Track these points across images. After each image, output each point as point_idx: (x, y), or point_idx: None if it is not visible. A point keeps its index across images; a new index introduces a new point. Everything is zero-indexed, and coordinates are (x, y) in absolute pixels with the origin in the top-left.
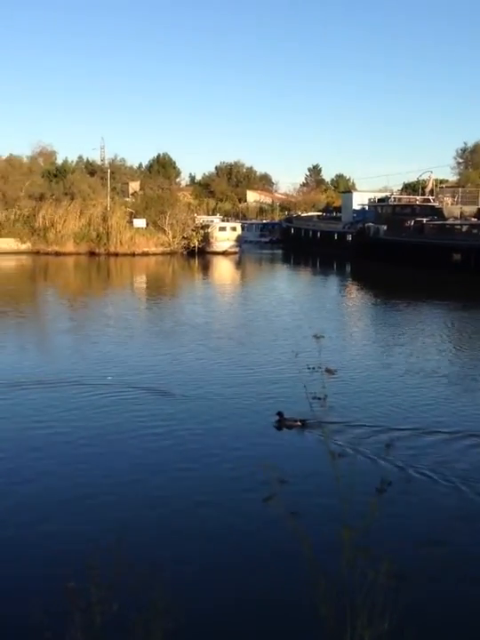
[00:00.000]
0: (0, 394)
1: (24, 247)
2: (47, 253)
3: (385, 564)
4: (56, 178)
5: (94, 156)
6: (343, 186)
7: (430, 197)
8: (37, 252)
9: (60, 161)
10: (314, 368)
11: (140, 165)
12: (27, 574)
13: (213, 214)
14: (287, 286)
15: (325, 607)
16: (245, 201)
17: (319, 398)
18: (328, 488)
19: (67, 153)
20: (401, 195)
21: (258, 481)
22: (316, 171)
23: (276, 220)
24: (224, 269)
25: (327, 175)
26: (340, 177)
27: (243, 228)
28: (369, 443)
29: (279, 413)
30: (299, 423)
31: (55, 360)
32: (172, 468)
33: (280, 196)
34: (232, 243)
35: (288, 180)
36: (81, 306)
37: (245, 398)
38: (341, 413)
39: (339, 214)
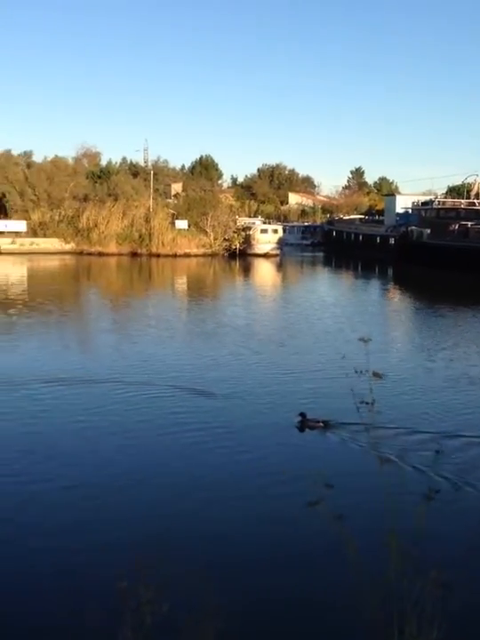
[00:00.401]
0: (43, 390)
1: (68, 247)
2: (90, 254)
3: (433, 572)
4: (100, 179)
5: (138, 158)
6: (386, 189)
7: (475, 201)
8: (81, 253)
9: (104, 162)
10: (361, 371)
11: (183, 167)
12: (78, 573)
13: (255, 216)
14: (328, 289)
15: (372, 612)
16: (287, 203)
17: (367, 403)
18: (371, 492)
19: (111, 154)
20: (445, 198)
21: (301, 483)
22: (358, 173)
23: (318, 222)
24: (265, 271)
25: (370, 178)
26: (382, 180)
27: (284, 231)
28: (412, 448)
29: (301, 414)
30: (321, 424)
31: (96, 358)
32: (213, 468)
33: (322, 198)
34: (273, 245)
35: (330, 182)
36: (122, 306)
37: (287, 400)
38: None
39: (381, 217)
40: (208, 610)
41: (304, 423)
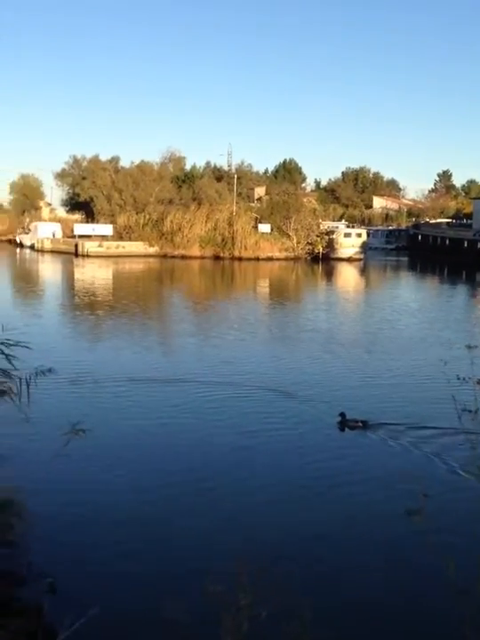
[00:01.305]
0: (126, 389)
1: (152, 250)
2: (174, 257)
3: None
4: (184, 183)
5: (222, 162)
6: (475, 192)
7: None
8: (164, 256)
9: (188, 167)
10: (463, 378)
11: (266, 171)
12: (176, 574)
13: (338, 220)
14: (413, 294)
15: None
16: (371, 207)
17: (470, 411)
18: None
19: (195, 159)
20: None
21: (397, 491)
22: (445, 176)
23: (403, 226)
24: (348, 275)
25: (458, 181)
26: (471, 182)
27: (368, 235)
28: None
29: (341, 414)
30: (360, 424)
31: (178, 359)
32: (300, 470)
33: (407, 202)
34: (357, 249)
35: (416, 185)
36: (205, 308)
37: (374, 405)
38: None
39: (469, 221)
40: (305, 615)
41: (343, 423)
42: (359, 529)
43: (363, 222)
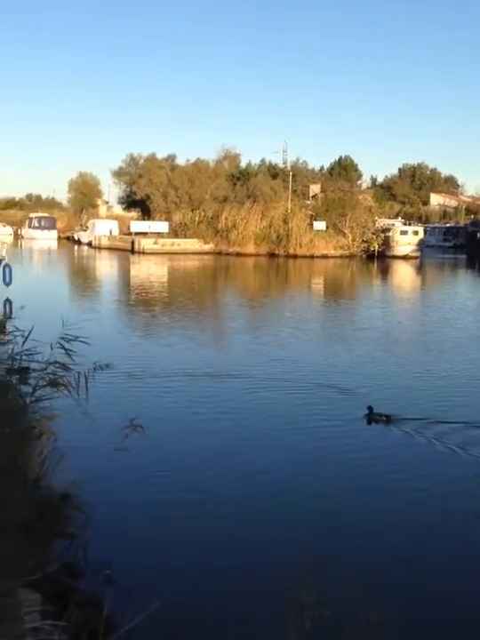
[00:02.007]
0: (181, 384)
1: (207, 247)
2: (228, 254)
3: None
4: (239, 181)
5: (277, 159)
6: None
7: None
8: (219, 253)
9: (243, 164)
10: None
11: (322, 168)
12: (237, 570)
13: (395, 218)
14: (471, 293)
15: None
16: (428, 204)
17: None
18: None
19: (250, 156)
20: None
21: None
22: None
23: (461, 223)
24: (404, 274)
25: None
26: None
27: (425, 232)
28: None
29: (369, 408)
30: (383, 418)
31: (232, 355)
32: (360, 469)
33: (466, 199)
34: (413, 247)
35: (475, 182)
36: (259, 305)
37: (431, 403)
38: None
39: None
40: (370, 616)
41: (370, 417)
42: (428, 527)
43: (420, 220)
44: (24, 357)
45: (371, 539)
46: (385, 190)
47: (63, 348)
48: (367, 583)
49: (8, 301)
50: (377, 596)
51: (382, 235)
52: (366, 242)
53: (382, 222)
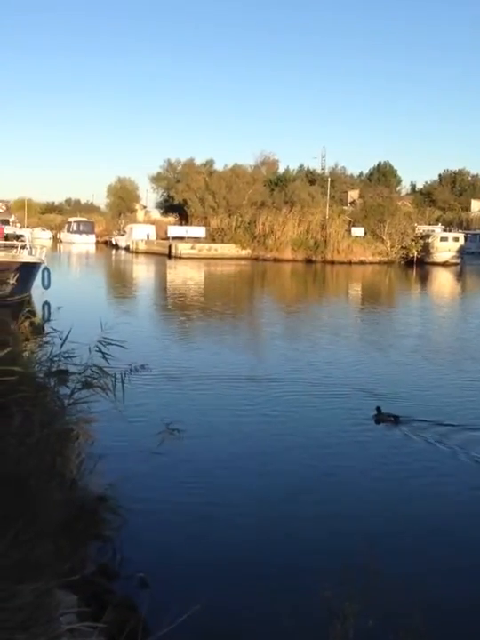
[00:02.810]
0: (217, 388)
1: (244, 253)
2: (265, 259)
3: None
4: (277, 186)
5: (315, 165)
6: None
7: None
8: (256, 258)
9: (281, 170)
10: None
11: (361, 174)
12: (274, 575)
13: (434, 224)
14: None
15: None
16: (469, 210)
17: None
18: None
19: (288, 162)
20: None
21: None
22: None
23: None
24: (443, 280)
25: None
26: None
27: (465, 239)
28: None
29: (377, 408)
30: (391, 419)
31: (268, 360)
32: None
33: None
34: (453, 253)
35: None
36: (295, 311)
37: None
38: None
39: None
40: (412, 629)
41: (379, 417)
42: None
43: (460, 226)
44: (62, 359)
45: (413, 546)
46: (425, 196)
47: (101, 351)
48: (409, 591)
49: (47, 304)
50: (420, 604)
51: (421, 241)
52: (405, 248)
53: (422, 228)
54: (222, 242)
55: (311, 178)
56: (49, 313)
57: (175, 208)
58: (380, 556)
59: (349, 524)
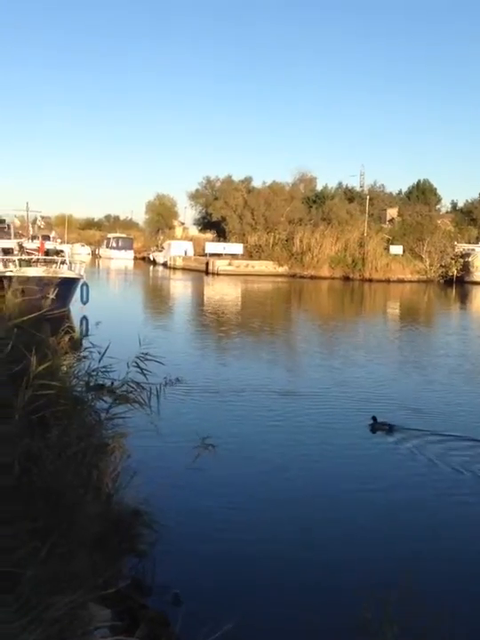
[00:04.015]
0: (252, 403)
1: (281, 270)
2: (302, 277)
3: None
4: (315, 203)
5: (354, 183)
6: None
7: None
8: (293, 276)
9: (319, 187)
10: None
11: (400, 192)
12: (308, 592)
13: (475, 243)
14: None
15: None
16: None
17: None
18: None
19: (327, 179)
20: None
21: None
22: None
23: None
24: None
25: None
26: None
27: None
28: None
29: (373, 417)
30: (386, 427)
31: (302, 376)
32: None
33: None
34: None
35: None
36: (332, 329)
37: None
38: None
39: None
40: None
41: (375, 426)
42: None
43: None
44: (100, 374)
45: (448, 567)
46: (465, 215)
47: (139, 366)
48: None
49: (85, 319)
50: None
51: (461, 260)
52: (444, 267)
53: (462, 247)
54: (260, 259)
55: (349, 195)
56: (87, 328)
57: (213, 225)
58: (418, 578)
59: (388, 539)
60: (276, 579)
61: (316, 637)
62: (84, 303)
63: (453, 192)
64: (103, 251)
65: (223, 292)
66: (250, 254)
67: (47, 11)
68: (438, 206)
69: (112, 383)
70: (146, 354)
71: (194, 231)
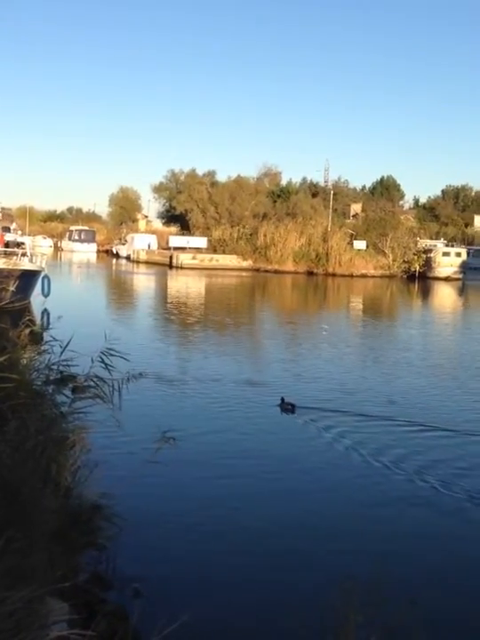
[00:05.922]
0: (214, 397)
1: (245, 264)
2: (266, 271)
3: None
4: (280, 198)
5: (318, 178)
6: None
7: None
8: (257, 270)
9: (284, 182)
10: None
11: (364, 187)
12: (267, 584)
13: (437, 239)
14: None
15: None
16: (472, 226)
17: None
18: None
19: (291, 174)
20: None
21: None
22: None
23: None
24: (445, 295)
25: None
26: None
27: (468, 254)
28: None
29: (282, 398)
30: (289, 407)
31: (266, 370)
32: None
33: None
34: (455, 268)
35: None
36: (295, 323)
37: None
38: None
39: None
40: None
41: (283, 406)
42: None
43: (463, 242)
44: (61, 368)
45: (421, 561)
46: (428, 211)
47: (103, 361)
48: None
49: (46, 312)
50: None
51: (424, 255)
52: (407, 262)
53: (424, 243)
54: (224, 253)
55: (314, 190)
56: (48, 321)
57: (177, 218)
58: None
59: (353, 538)
60: (238, 571)
61: (274, 629)
62: (46, 296)
63: (416, 188)
64: (66, 243)
65: (187, 286)
66: (214, 248)
67: None
68: (401, 202)
69: (74, 377)
70: (110, 349)
71: (158, 224)
